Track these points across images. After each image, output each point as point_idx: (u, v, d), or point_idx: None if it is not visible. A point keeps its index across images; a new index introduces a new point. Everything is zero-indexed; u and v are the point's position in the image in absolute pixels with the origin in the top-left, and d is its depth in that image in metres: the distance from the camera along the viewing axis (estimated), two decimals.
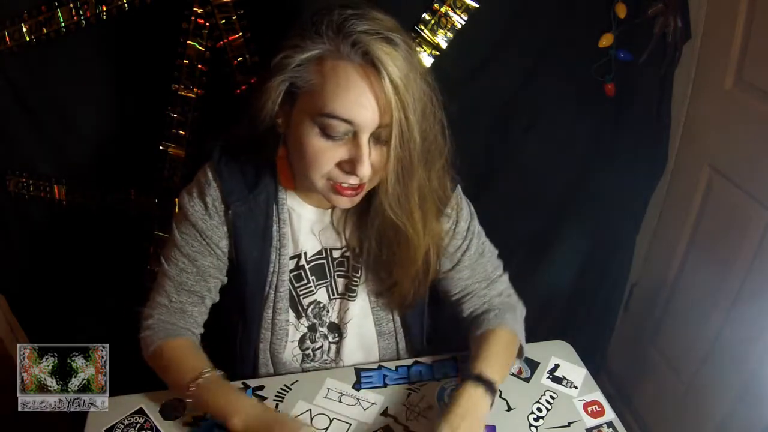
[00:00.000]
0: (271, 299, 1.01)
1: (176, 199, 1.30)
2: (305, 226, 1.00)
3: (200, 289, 0.99)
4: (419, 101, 0.80)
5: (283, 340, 1.04)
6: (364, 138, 0.80)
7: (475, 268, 1.06)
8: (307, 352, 1.08)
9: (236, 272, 0.99)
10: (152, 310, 1.00)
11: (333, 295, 1.06)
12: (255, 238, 0.96)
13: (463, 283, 1.07)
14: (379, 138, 0.82)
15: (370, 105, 0.78)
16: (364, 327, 1.08)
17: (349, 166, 0.82)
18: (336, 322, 1.07)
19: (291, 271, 1.01)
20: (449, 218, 1.01)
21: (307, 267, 1.02)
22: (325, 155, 0.82)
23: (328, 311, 1.06)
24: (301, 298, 1.04)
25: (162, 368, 0.96)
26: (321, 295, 1.05)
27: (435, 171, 0.91)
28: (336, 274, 1.04)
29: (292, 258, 1.01)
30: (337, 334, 1.08)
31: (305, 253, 1.01)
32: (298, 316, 1.05)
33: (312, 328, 1.07)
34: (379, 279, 1.02)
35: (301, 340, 1.07)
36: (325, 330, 1.08)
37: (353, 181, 0.84)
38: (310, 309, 1.05)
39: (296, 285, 1.03)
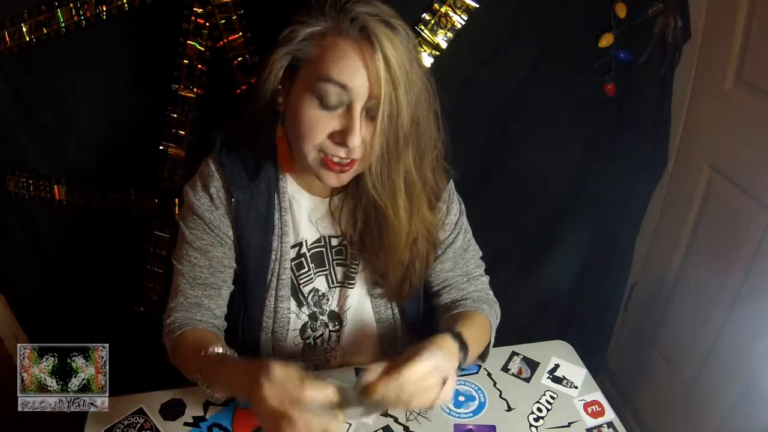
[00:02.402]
0: (273, 287, 1.02)
1: (176, 199, 1.32)
2: (305, 215, 1.01)
3: (215, 281, 0.99)
4: (413, 86, 0.82)
5: (285, 328, 1.05)
6: (357, 108, 0.82)
7: (458, 261, 1.08)
8: (308, 341, 1.09)
9: (239, 260, 1.00)
10: (170, 312, 1.00)
11: (332, 283, 1.07)
12: (257, 226, 0.97)
13: (444, 275, 1.08)
14: (370, 113, 0.84)
15: (362, 73, 0.80)
16: (363, 315, 1.09)
17: (340, 136, 0.84)
18: (336, 310, 1.08)
19: (292, 259, 1.02)
20: (439, 210, 1.03)
21: (308, 254, 1.03)
22: (319, 125, 0.84)
23: (328, 299, 1.07)
24: (301, 286, 1.05)
25: (181, 357, 0.95)
26: (320, 283, 1.06)
27: (428, 161, 0.93)
28: (335, 262, 1.06)
29: (293, 246, 1.02)
30: (337, 323, 1.09)
31: (306, 241, 1.03)
32: (299, 305, 1.06)
33: (313, 317, 1.08)
34: (372, 267, 1.03)
35: (303, 329, 1.08)
36: (325, 318, 1.08)
37: (343, 153, 0.85)
38: (310, 297, 1.06)
39: (297, 273, 1.04)
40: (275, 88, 0.88)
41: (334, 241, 1.04)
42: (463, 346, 0.89)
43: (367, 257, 1.02)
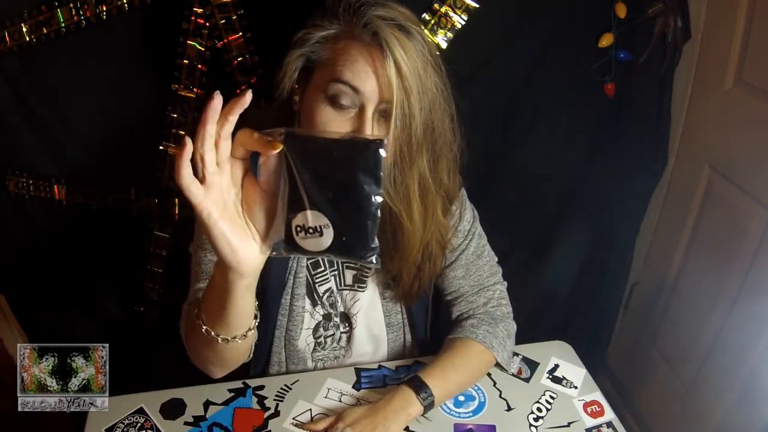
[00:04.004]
0: (290, 285, 1.02)
1: (176, 199, 1.32)
2: None
3: None
4: (427, 92, 0.83)
5: (299, 326, 1.05)
6: (369, 111, 0.82)
7: (470, 268, 1.07)
8: (319, 340, 1.10)
9: None
10: (189, 297, 0.97)
11: (340, 285, 1.07)
12: None
13: (456, 283, 1.08)
14: (383, 116, 0.84)
15: (374, 78, 0.80)
16: (373, 318, 1.09)
17: None
18: (345, 312, 1.09)
19: (309, 258, 1.02)
20: (452, 216, 1.03)
21: None
22: (331, 126, 0.84)
23: (337, 300, 1.08)
24: (316, 285, 1.05)
25: (189, 332, 0.89)
26: (334, 283, 1.07)
27: (443, 165, 0.92)
28: (345, 265, 1.06)
29: None
30: (347, 324, 1.09)
31: None
32: (314, 304, 1.06)
33: (327, 317, 1.08)
34: (385, 270, 1.03)
35: (315, 329, 1.08)
36: (338, 320, 1.09)
37: None
38: (325, 297, 1.07)
39: (313, 272, 1.04)
40: (291, 87, 0.88)
41: None
42: (424, 392, 0.95)
43: (381, 260, 1.02)
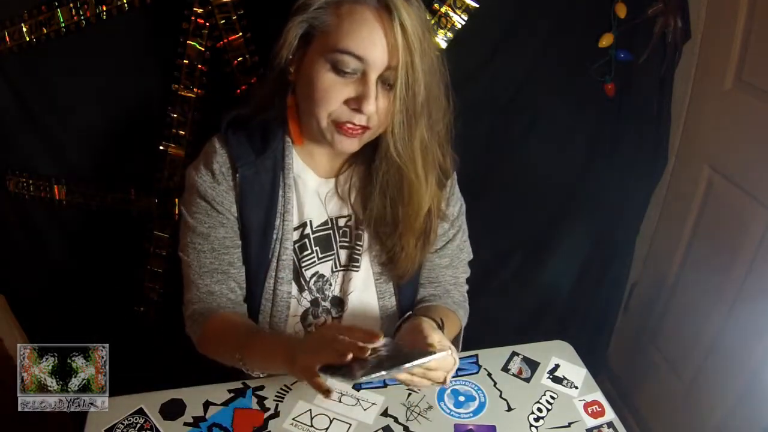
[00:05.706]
0: (273, 268, 1.00)
1: (176, 199, 1.32)
2: (311, 194, 1.01)
3: (220, 265, 0.98)
4: (427, 54, 0.85)
5: (284, 313, 1.03)
6: (373, 77, 0.83)
7: (454, 260, 1.10)
8: (310, 329, 1.07)
9: (242, 238, 1.00)
10: (187, 305, 1.01)
11: (336, 267, 1.05)
12: (261, 202, 0.96)
13: (438, 271, 1.10)
14: (386, 82, 0.85)
15: (380, 44, 0.82)
16: (366, 300, 1.07)
17: (356, 103, 0.85)
18: (339, 295, 1.06)
19: (295, 241, 1.01)
20: (446, 193, 1.04)
21: (311, 236, 1.02)
22: (334, 91, 0.85)
23: (330, 284, 1.05)
24: (303, 269, 1.03)
25: (215, 344, 0.99)
26: (324, 267, 1.04)
27: (435, 133, 0.94)
28: (340, 245, 1.04)
29: (296, 228, 1.01)
30: (339, 309, 1.07)
31: (310, 222, 1.02)
32: (301, 290, 1.04)
33: (315, 303, 1.06)
34: (382, 244, 1.03)
35: (304, 316, 1.06)
36: (327, 305, 1.06)
37: (356, 120, 0.86)
38: (312, 282, 1.04)
39: (299, 256, 1.02)
40: (288, 56, 0.89)
41: (341, 221, 1.03)
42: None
43: (380, 231, 1.01)
